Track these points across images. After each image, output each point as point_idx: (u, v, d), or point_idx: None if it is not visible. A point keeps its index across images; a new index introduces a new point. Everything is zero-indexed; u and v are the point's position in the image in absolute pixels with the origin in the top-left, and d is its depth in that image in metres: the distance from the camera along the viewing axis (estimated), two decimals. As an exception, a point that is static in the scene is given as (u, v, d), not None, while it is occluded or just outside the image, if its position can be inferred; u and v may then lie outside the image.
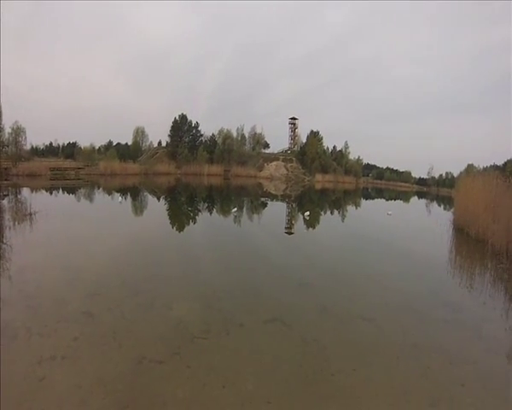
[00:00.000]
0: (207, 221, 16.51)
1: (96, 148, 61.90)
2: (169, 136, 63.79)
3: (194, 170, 57.23)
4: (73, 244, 10.36)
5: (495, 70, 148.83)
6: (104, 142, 72.89)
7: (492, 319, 7.44)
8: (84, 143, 65.53)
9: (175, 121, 62.28)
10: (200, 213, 18.60)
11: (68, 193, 25.92)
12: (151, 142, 66.79)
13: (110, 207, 19.26)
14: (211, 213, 19.20)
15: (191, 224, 15.57)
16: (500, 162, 45.33)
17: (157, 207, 20.48)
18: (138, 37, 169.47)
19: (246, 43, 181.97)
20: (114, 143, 70.92)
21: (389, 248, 14.29)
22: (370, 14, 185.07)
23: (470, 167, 34.05)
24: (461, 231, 17.47)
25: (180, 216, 17.92)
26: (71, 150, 66.46)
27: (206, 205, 22.46)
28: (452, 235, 17.50)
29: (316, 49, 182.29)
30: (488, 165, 33.61)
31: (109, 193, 27.71)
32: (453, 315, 7.38)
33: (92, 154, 52.98)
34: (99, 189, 31.23)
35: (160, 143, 68.70)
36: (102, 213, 16.91)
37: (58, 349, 4.67)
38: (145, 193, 29.66)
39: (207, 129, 72.75)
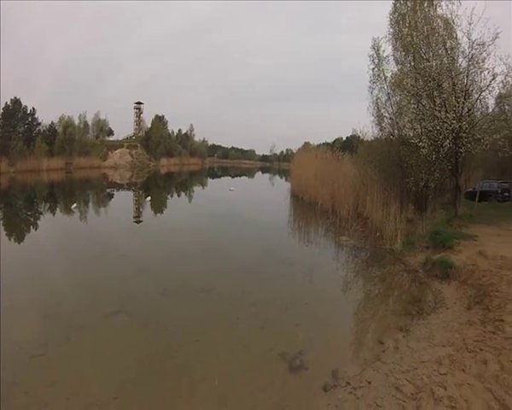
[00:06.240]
0: (48, 224, 14.84)
1: None
2: (-2, 126, 50.62)
3: (32, 166, 47.22)
4: None
5: (335, 70, 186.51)
6: None
7: (324, 264, 9.22)
8: None
9: (6, 107, 49.81)
10: (40, 217, 16.60)
11: None
12: (-26, 135, 50.65)
13: None
14: (53, 214, 17.53)
15: (31, 230, 13.67)
16: (330, 140, 58.12)
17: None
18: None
19: (95, 19, 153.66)
20: None
21: (232, 220, 15.61)
22: (231, 5, 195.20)
23: (307, 144, 41.29)
24: (297, 198, 20.92)
25: (17, 224, 14.67)
26: None
27: (48, 206, 20.30)
28: (290, 202, 20.78)
29: (168, 34, 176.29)
30: (321, 142, 42.15)
31: None
32: (290, 269, 8.67)
33: None
34: None
35: (-14, 135, 53.08)
36: None
37: None
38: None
39: (47, 117, 60.50)
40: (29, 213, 17.66)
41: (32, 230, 13.62)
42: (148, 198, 20.92)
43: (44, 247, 10.84)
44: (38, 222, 15.00)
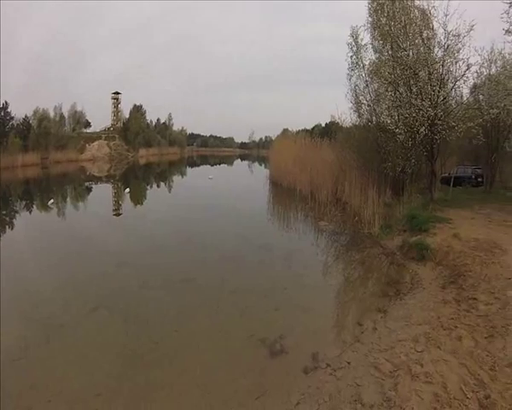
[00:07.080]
0: (24, 222, 14.34)
1: None
2: (-33, 122, 47.24)
3: (6, 163, 44.42)
4: None
5: (310, 56, 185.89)
6: None
7: (304, 249, 9.31)
8: None
9: (-24, 103, 46.74)
10: (16, 215, 16.00)
11: None
12: None
13: None
14: (30, 212, 16.91)
15: (6, 230, 12.96)
16: (310, 127, 58.32)
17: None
18: None
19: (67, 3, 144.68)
20: None
21: (211, 209, 15.41)
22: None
23: (286, 131, 41.21)
24: (276, 184, 21.02)
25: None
26: None
27: (24, 203, 19.42)
28: (269, 188, 20.84)
29: (139, 23, 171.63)
30: (300, 129, 42.34)
31: None
32: (269, 255, 8.71)
33: None
34: None
35: (-45, 132, 49.73)
36: None
37: None
38: None
39: (20, 111, 57.68)
40: (3, 212, 17.05)
41: (8, 229, 13.09)
42: (127, 190, 20.72)
43: (20, 246, 10.38)
44: (14, 221, 14.40)
